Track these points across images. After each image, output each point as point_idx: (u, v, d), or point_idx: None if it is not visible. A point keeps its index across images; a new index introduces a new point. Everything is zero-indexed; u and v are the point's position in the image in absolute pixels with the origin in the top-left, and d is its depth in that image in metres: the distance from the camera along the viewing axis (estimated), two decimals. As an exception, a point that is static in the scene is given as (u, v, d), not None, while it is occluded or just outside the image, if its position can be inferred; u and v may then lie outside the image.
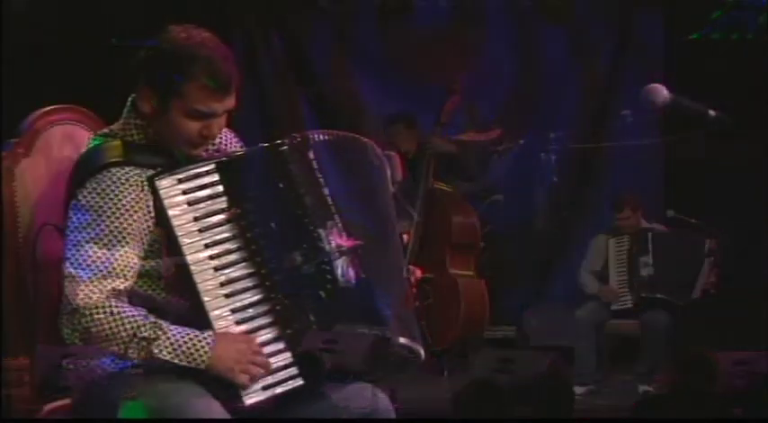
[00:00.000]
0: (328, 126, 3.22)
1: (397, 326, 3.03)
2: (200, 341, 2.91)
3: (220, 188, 3.01)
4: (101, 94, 3.97)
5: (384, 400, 3.12)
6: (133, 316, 2.91)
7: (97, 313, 2.90)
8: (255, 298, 2.99)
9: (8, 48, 6.09)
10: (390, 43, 8.34)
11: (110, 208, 2.94)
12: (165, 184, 2.97)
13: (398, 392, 4.13)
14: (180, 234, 2.95)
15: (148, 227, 2.98)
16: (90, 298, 2.90)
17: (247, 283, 2.99)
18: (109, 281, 2.92)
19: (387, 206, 3.17)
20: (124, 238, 2.94)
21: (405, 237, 3.22)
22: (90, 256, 2.92)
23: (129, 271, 2.95)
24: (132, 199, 2.96)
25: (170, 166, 3.00)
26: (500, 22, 8.31)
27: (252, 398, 2.95)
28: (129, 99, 3.08)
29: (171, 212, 2.96)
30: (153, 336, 2.90)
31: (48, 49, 6.68)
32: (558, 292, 7.98)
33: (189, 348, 2.91)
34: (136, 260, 2.96)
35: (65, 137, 3.26)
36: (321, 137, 3.13)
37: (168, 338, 2.90)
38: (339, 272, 2.98)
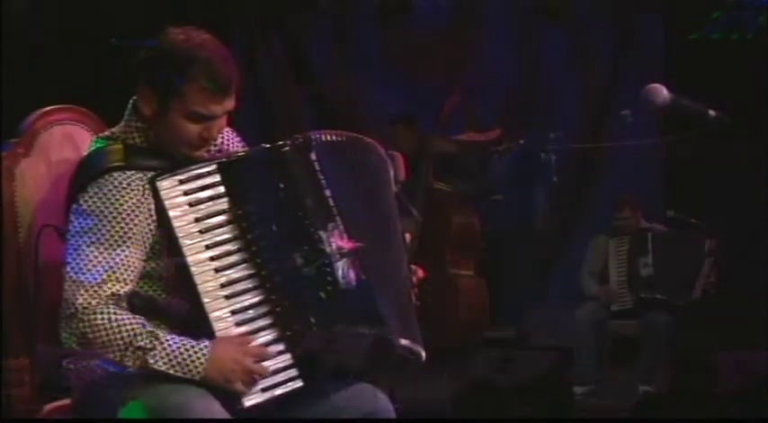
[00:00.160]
0: (328, 126, 3.21)
1: (398, 327, 3.03)
2: (195, 353, 2.90)
3: (222, 189, 3.00)
4: (101, 94, 3.98)
5: (384, 400, 3.11)
6: (131, 324, 2.90)
7: (95, 319, 2.89)
8: (256, 299, 2.99)
9: (8, 48, 6.09)
10: (390, 43, 8.34)
11: (111, 212, 2.94)
12: (166, 184, 2.96)
13: (398, 392, 4.13)
14: (181, 235, 2.95)
15: (150, 230, 2.97)
16: (89, 303, 2.89)
17: (248, 284, 2.99)
18: (109, 285, 2.91)
19: (390, 206, 3.16)
20: (125, 242, 2.94)
21: (407, 236, 3.22)
22: (91, 261, 2.92)
23: (129, 275, 2.94)
24: (134, 203, 2.95)
25: (171, 166, 2.99)
26: (500, 21, 8.32)
27: (251, 400, 2.95)
28: (131, 101, 3.08)
29: (172, 213, 2.96)
30: (149, 346, 2.89)
31: (48, 49, 6.68)
32: (558, 292, 7.98)
33: (185, 359, 2.90)
34: (137, 264, 2.96)
35: (65, 137, 3.26)
36: (323, 137, 3.13)
37: (164, 349, 2.89)
38: (339, 273, 2.98)
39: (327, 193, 3.04)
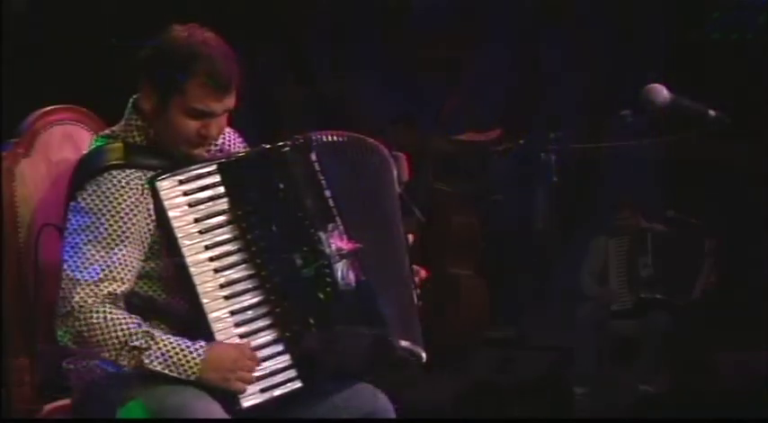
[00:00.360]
0: (329, 126, 3.21)
1: (399, 328, 3.02)
2: (191, 353, 2.90)
3: (221, 189, 3.00)
4: (101, 94, 3.97)
5: (384, 400, 3.11)
6: (127, 323, 2.90)
7: (91, 317, 2.89)
8: (255, 300, 2.99)
9: (8, 48, 6.08)
10: (390, 43, 8.34)
11: (109, 211, 2.94)
12: (165, 185, 2.96)
13: (398, 393, 4.13)
14: (180, 235, 2.95)
15: (149, 230, 2.97)
16: (85, 301, 2.89)
17: (247, 285, 2.99)
18: (106, 284, 2.91)
19: (392, 207, 3.16)
20: (123, 241, 2.94)
21: (410, 237, 3.22)
22: (88, 259, 2.92)
23: (127, 275, 2.94)
24: (132, 202, 2.95)
25: (171, 166, 2.99)
26: (500, 21, 8.31)
27: (250, 400, 2.95)
28: (131, 100, 3.08)
29: (171, 214, 2.95)
30: (144, 346, 2.89)
31: (48, 49, 6.68)
32: (558, 292, 7.97)
33: (179, 360, 2.90)
34: (135, 264, 2.96)
35: (65, 137, 3.26)
36: (324, 138, 3.12)
37: (159, 349, 2.89)
38: (339, 275, 2.98)
39: (327, 193, 3.04)
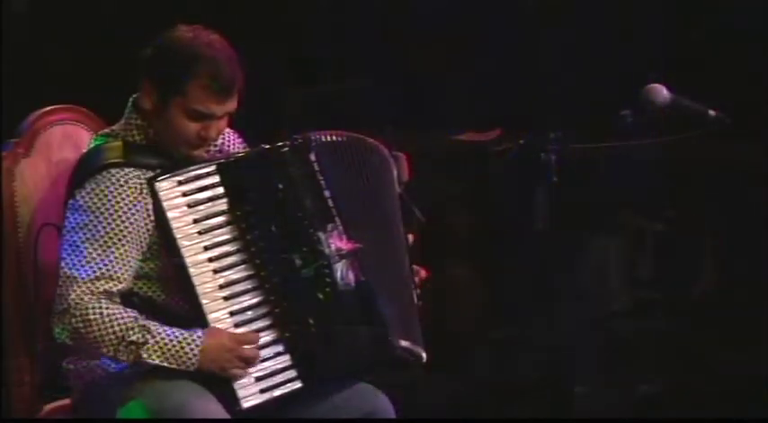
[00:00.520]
0: (328, 126, 3.22)
1: (399, 328, 3.03)
2: (188, 344, 2.91)
3: (221, 190, 3.00)
4: (101, 94, 3.97)
5: (384, 400, 3.12)
6: (123, 318, 2.90)
7: (87, 313, 2.89)
8: (254, 300, 2.99)
9: (8, 48, 6.08)
10: (390, 43, 8.33)
11: (107, 209, 2.94)
12: (164, 185, 2.96)
13: (398, 393, 4.13)
14: (179, 236, 2.95)
15: (148, 230, 2.97)
16: (81, 298, 2.90)
17: (246, 285, 2.99)
18: (102, 282, 2.92)
19: (392, 207, 3.16)
20: (120, 240, 2.94)
21: (410, 237, 3.22)
22: (85, 257, 2.92)
23: (124, 273, 2.94)
24: (131, 201, 2.95)
25: (170, 167, 2.99)
26: (500, 21, 8.30)
27: (250, 401, 2.95)
28: (131, 99, 3.08)
29: (170, 214, 2.96)
30: (141, 340, 2.89)
31: (48, 49, 6.67)
32: (558, 292, 7.96)
33: (177, 352, 2.90)
34: (132, 263, 2.96)
35: (65, 137, 3.26)
36: (324, 138, 3.13)
37: (157, 343, 2.90)
38: (338, 275, 2.98)
39: (327, 193, 3.05)
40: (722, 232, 6.75)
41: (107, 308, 2.90)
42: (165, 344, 2.90)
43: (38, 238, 3.09)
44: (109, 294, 2.92)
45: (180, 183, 2.98)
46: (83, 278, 2.90)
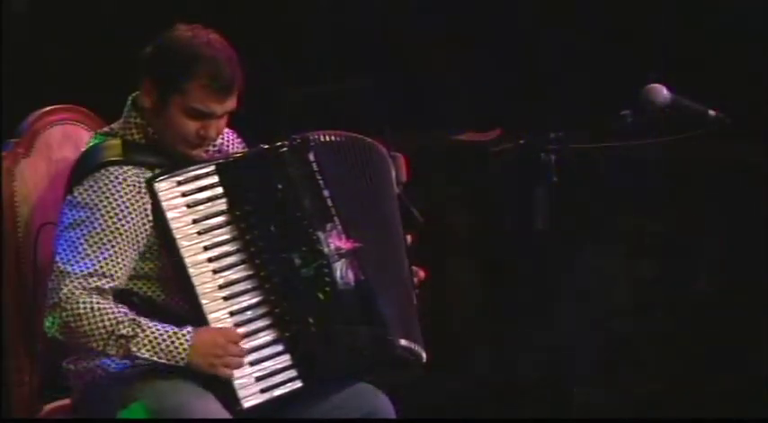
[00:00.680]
0: (327, 126, 3.22)
1: (399, 328, 3.03)
2: (178, 339, 2.91)
3: (220, 190, 3.01)
4: (101, 93, 3.97)
5: (384, 400, 3.12)
6: (113, 312, 2.90)
7: (78, 308, 2.89)
8: (254, 300, 2.99)
9: (8, 48, 6.08)
10: (390, 43, 8.33)
11: (104, 206, 2.94)
12: (164, 186, 2.97)
13: (398, 392, 4.13)
14: (179, 236, 2.95)
15: (146, 229, 2.97)
16: (72, 293, 2.90)
17: (246, 285, 2.99)
18: (95, 278, 2.92)
19: (391, 207, 3.17)
20: (116, 237, 2.94)
21: (408, 237, 3.22)
22: (80, 253, 2.92)
23: (117, 272, 2.94)
24: (129, 199, 2.96)
25: (169, 167, 3.00)
26: (500, 21, 8.30)
27: (250, 401, 2.95)
28: (130, 98, 3.08)
29: (170, 215, 2.96)
30: (131, 334, 2.89)
31: (48, 49, 6.67)
32: (558, 292, 7.96)
33: (167, 346, 2.90)
34: (127, 261, 2.96)
35: (65, 137, 3.27)
36: (323, 138, 3.13)
37: (147, 336, 2.90)
38: (338, 274, 2.98)
39: (326, 193, 3.05)
40: (722, 232, 6.75)
41: (97, 302, 2.90)
42: (156, 337, 2.90)
43: (37, 238, 3.10)
44: (101, 291, 2.92)
45: (179, 183, 2.98)
46: (75, 273, 2.90)
